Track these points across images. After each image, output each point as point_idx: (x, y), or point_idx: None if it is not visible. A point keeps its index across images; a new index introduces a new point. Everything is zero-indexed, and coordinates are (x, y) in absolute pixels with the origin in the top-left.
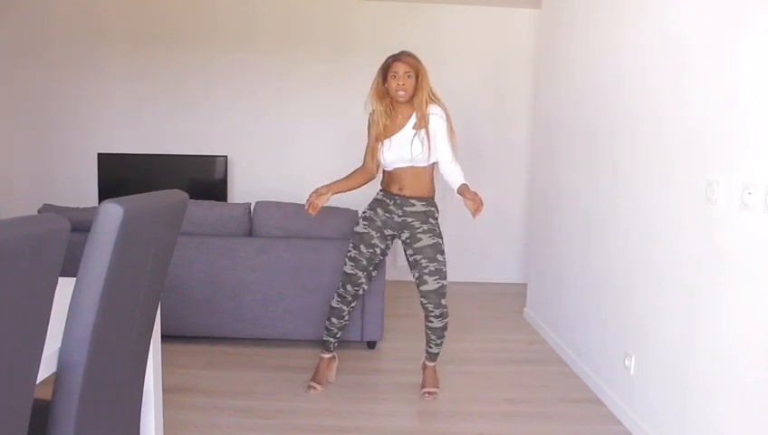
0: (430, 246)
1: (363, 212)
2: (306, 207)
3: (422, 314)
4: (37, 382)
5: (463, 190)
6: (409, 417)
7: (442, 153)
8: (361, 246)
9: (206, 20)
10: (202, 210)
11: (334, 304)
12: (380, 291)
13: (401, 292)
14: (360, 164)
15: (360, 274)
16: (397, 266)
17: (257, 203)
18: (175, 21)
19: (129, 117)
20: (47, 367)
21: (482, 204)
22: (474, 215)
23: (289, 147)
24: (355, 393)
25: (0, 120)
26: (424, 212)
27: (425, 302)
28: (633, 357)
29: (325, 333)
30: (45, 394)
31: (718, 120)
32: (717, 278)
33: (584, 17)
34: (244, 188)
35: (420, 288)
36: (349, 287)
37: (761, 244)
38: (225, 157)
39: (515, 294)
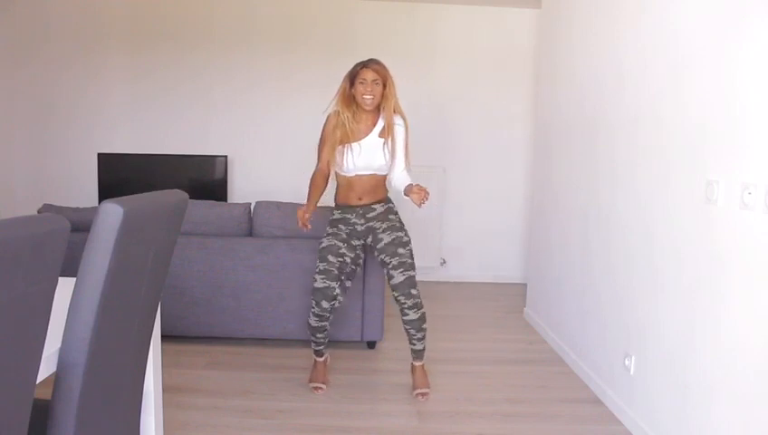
0: (390, 242)
1: (325, 233)
2: (302, 227)
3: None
4: (37, 382)
5: (408, 188)
6: (409, 417)
7: (398, 161)
8: (329, 257)
9: (205, 20)
10: (202, 210)
11: (313, 323)
12: (380, 291)
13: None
14: (313, 170)
15: (334, 284)
16: None
17: (257, 203)
18: (175, 21)
19: (129, 117)
20: (47, 367)
21: (427, 193)
22: (420, 204)
23: (289, 147)
24: (355, 393)
25: (0, 120)
26: (384, 211)
27: (396, 295)
28: (633, 357)
29: (314, 344)
30: (45, 394)
31: (718, 120)
32: (717, 278)
33: (584, 17)
34: (244, 188)
35: (390, 283)
36: (324, 304)
37: (761, 244)
38: (225, 157)
39: (515, 295)
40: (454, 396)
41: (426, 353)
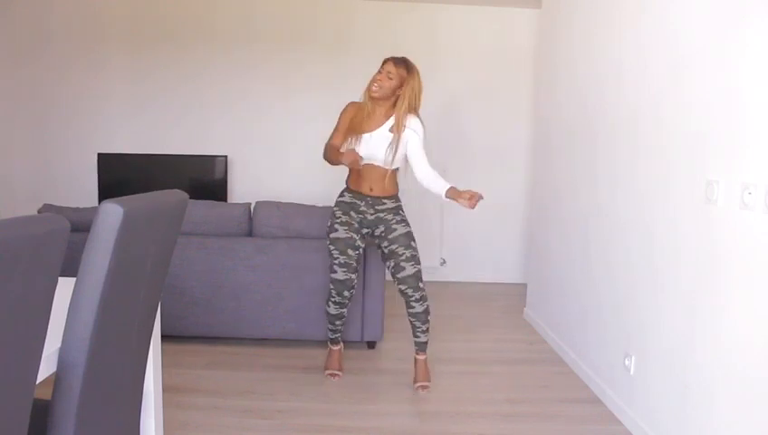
0: (404, 234)
1: (336, 216)
2: (353, 161)
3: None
4: (37, 382)
5: (453, 193)
6: (409, 417)
7: (418, 164)
8: (348, 251)
9: (206, 20)
10: (202, 210)
11: (333, 310)
12: (380, 291)
13: None
14: (326, 143)
15: (353, 276)
16: None
17: (257, 203)
18: (175, 21)
19: (129, 117)
20: (47, 367)
21: (480, 197)
22: (472, 208)
23: (289, 147)
24: (355, 393)
25: (0, 120)
26: (395, 208)
27: (404, 288)
28: (633, 357)
29: (330, 332)
30: (45, 394)
31: (718, 120)
32: (717, 278)
33: (584, 17)
34: (244, 188)
35: (397, 276)
36: (345, 293)
37: (761, 244)
38: (225, 157)
39: (515, 295)
40: (454, 396)
41: (428, 351)
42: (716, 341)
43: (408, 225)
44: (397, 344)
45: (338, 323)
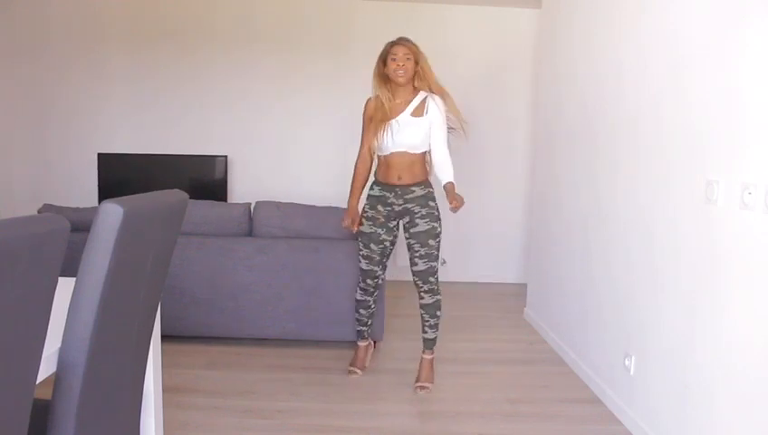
0: (425, 231)
1: (364, 211)
2: (351, 227)
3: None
4: (37, 382)
5: (449, 190)
6: (409, 417)
7: (435, 145)
8: (371, 245)
9: (205, 20)
10: (202, 210)
11: (359, 296)
12: (381, 291)
13: (401, 292)
14: (357, 157)
15: (376, 268)
16: (397, 266)
17: (257, 203)
18: (175, 21)
19: (129, 117)
20: (47, 367)
21: (462, 204)
22: (452, 211)
23: (289, 147)
24: (355, 393)
25: (0, 120)
26: (423, 196)
27: (415, 279)
28: (633, 357)
29: (357, 324)
30: (45, 394)
31: (718, 119)
32: (717, 278)
33: (584, 17)
34: (244, 188)
35: (411, 268)
36: (369, 281)
37: (761, 244)
38: (225, 157)
39: (515, 294)
40: (454, 396)
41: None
42: (716, 341)
43: (433, 219)
44: (397, 344)
45: (362, 311)
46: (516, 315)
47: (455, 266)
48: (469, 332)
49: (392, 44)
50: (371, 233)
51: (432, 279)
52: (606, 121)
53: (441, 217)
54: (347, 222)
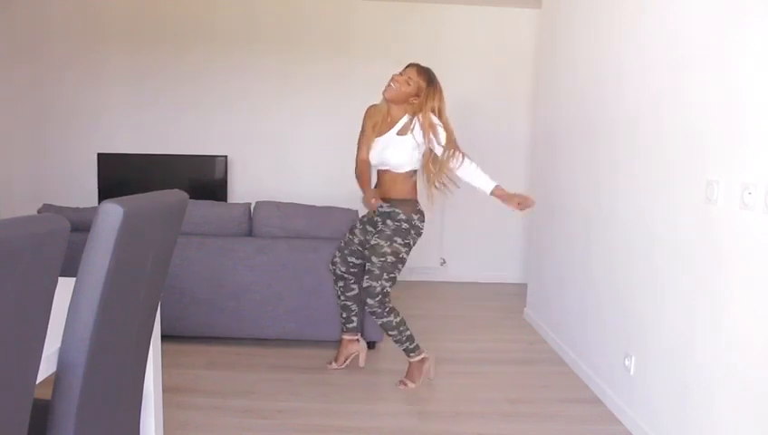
0: (371, 247)
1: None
2: (375, 203)
3: (420, 314)
4: (37, 382)
5: (498, 196)
6: (409, 417)
7: (446, 161)
8: (347, 233)
9: (205, 20)
10: (202, 210)
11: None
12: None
13: (401, 292)
14: (354, 164)
15: (336, 253)
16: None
17: (257, 203)
18: (175, 21)
19: (129, 117)
20: (47, 367)
21: (525, 200)
22: (521, 211)
23: (289, 147)
24: (355, 393)
25: (0, 120)
26: (388, 213)
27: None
28: (633, 357)
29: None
30: (45, 394)
31: (718, 119)
32: (717, 278)
33: (584, 17)
34: (244, 188)
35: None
36: (333, 260)
37: (761, 244)
38: (225, 157)
39: (515, 294)
40: (454, 396)
41: (432, 355)
42: (716, 341)
43: (384, 237)
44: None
45: (342, 313)
46: (516, 315)
47: (455, 266)
48: (469, 332)
49: (411, 64)
50: (347, 239)
51: (371, 301)
52: (606, 121)
53: (398, 241)
54: (372, 201)
